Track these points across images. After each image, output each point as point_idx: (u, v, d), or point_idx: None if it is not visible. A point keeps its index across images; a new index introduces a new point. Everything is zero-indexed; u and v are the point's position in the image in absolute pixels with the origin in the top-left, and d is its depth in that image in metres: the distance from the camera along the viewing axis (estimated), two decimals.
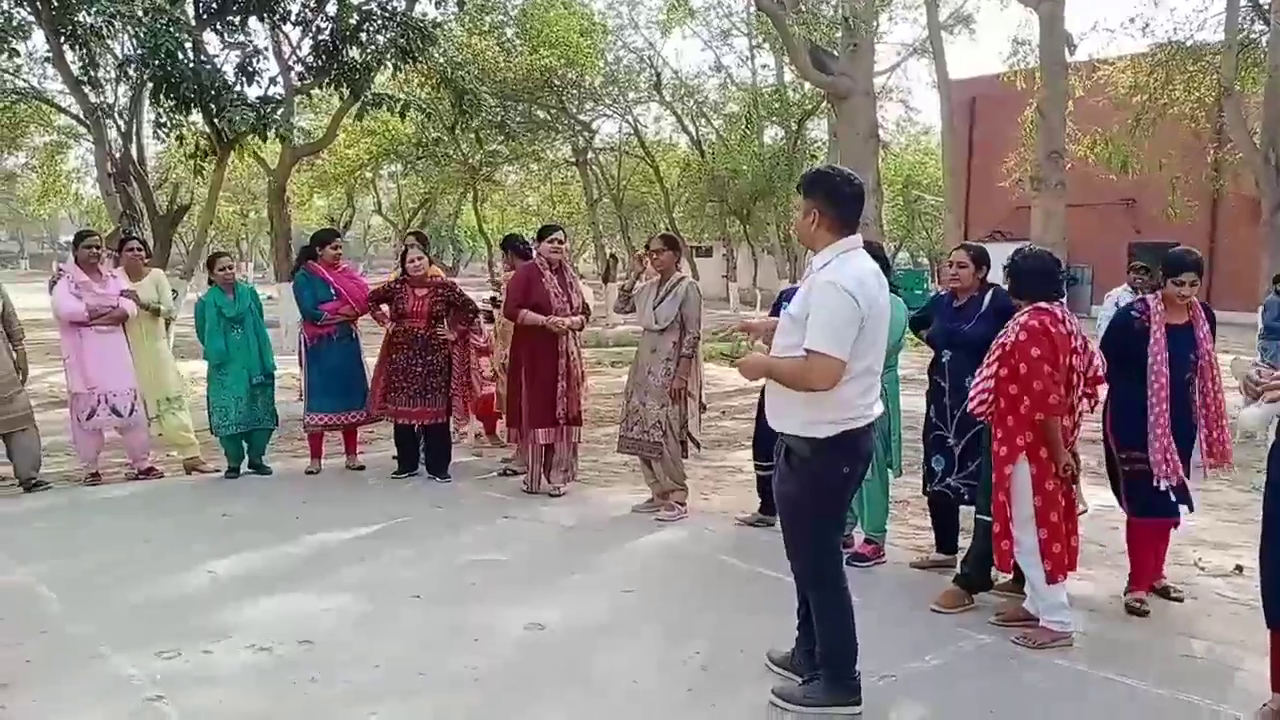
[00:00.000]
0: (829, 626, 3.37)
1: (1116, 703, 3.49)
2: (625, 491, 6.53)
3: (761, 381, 5.41)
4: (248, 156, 15.27)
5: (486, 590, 4.61)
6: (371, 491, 6.61)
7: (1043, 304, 3.98)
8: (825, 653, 3.38)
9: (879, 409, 3.39)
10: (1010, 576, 4.32)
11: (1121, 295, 9.69)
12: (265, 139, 11.26)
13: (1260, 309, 10.55)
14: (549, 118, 25.95)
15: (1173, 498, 4.31)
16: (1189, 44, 16.77)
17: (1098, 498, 6.29)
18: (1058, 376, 3.88)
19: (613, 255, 29.17)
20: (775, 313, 5.29)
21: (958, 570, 4.52)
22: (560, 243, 6.45)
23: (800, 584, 3.48)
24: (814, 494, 3.32)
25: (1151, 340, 4.23)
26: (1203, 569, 4.95)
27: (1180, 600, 4.50)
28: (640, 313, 5.98)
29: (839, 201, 3.26)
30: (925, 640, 4.01)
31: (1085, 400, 4.08)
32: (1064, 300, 4.28)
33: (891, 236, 36.16)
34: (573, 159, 30.22)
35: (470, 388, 7.07)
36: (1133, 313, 4.42)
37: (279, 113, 11.25)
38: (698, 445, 6.17)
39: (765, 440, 5.37)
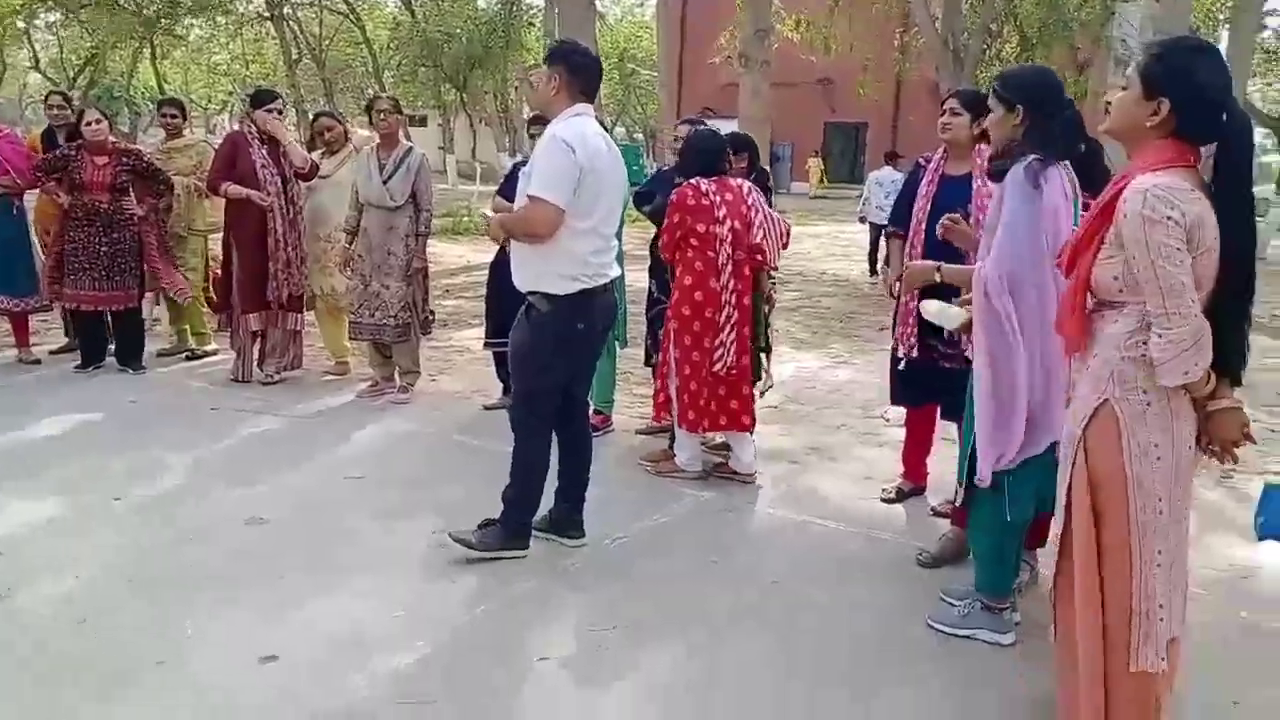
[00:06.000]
0: (520, 475, 3.57)
1: (819, 542, 3.89)
2: (347, 378, 6.27)
3: (489, 257, 5.37)
4: None
5: (198, 487, 4.31)
6: (52, 387, 5.91)
7: (695, 179, 4.29)
8: (510, 499, 3.58)
9: (615, 271, 3.63)
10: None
11: (881, 175, 11.81)
12: None
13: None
14: None
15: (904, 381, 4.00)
16: None
17: (799, 361, 6.84)
18: (693, 239, 4.24)
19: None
20: (507, 186, 5.22)
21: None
22: (279, 113, 5.96)
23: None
24: (544, 346, 3.48)
25: (920, 188, 3.87)
26: (888, 420, 5.52)
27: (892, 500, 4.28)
28: (364, 187, 5.57)
29: (578, 70, 3.45)
30: (651, 501, 4.25)
31: (749, 266, 4.32)
32: (739, 177, 4.49)
33: (608, 111, 36.39)
34: (266, 13, 27.56)
35: (174, 268, 6.42)
36: (921, 161, 4.00)
37: None
38: (433, 320, 6.07)
39: (498, 316, 5.33)
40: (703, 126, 4.67)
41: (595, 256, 3.46)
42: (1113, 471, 2.18)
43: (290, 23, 28.67)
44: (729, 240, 4.23)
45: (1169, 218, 2.03)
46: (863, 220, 12.33)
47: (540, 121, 4.73)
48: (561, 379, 3.58)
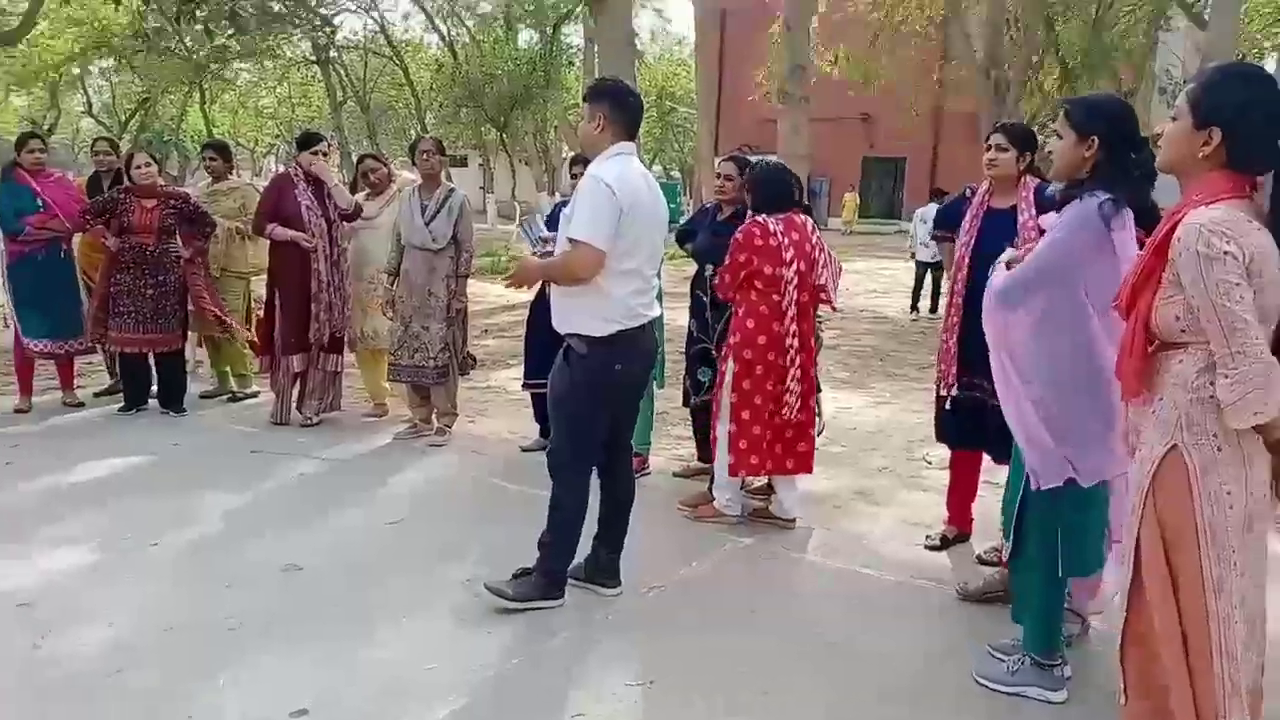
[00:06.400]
0: (557, 522, 3.50)
1: (862, 589, 3.78)
2: (385, 419, 6.27)
3: (529, 296, 5.36)
4: None
5: (237, 532, 4.30)
6: (96, 430, 5.98)
7: (762, 216, 4.19)
8: (547, 544, 3.51)
9: (656, 310, 3.58)
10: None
11: (927, 211, 11.77)
12: None
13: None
14: (285, 9, 23.93)
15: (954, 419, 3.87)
16: None
17: (839, 400, 6.73)
18: (758, 281, 4.13)
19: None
20: (548, 227, 5.21)
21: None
22: (325, 155, 6.00)
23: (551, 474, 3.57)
24: (581, 387, 3.43)
25: (964, 223, 3.80)
26: (929, 463, 5.40)
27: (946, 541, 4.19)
28: (406, 228, 5.60)
29: (621, 107, 3.43)
30: (692, 547, 4.16)
31: (811, 307, 4.29)
32: (804, 213, 4.38)
33: (646, 148, 36.63)
34: (313, 57, 28.19)
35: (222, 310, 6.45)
36: (967, 192, 3.95)
37: None
38: (475, 363, 6.07)
39: (537, 357, 5.29)
40: (767, 160, 4.58)
41: (635, 298, 3.41)
42: (1183, 523, 2.07)
43: (336, 66, 29.28)
44: (795, 283, 4.14)
45: (1226, 252, 1.95)
46: (913, 257, 12.47)
47: (581, 162, 4.72)
48: (601, 422, 3.52)
